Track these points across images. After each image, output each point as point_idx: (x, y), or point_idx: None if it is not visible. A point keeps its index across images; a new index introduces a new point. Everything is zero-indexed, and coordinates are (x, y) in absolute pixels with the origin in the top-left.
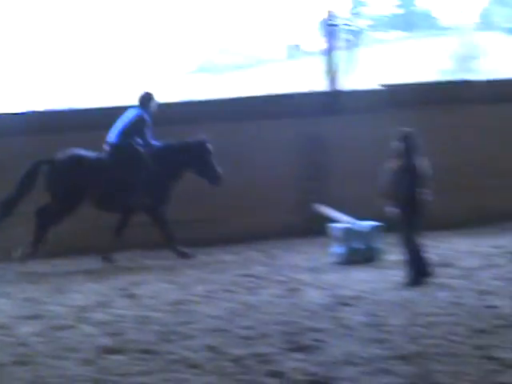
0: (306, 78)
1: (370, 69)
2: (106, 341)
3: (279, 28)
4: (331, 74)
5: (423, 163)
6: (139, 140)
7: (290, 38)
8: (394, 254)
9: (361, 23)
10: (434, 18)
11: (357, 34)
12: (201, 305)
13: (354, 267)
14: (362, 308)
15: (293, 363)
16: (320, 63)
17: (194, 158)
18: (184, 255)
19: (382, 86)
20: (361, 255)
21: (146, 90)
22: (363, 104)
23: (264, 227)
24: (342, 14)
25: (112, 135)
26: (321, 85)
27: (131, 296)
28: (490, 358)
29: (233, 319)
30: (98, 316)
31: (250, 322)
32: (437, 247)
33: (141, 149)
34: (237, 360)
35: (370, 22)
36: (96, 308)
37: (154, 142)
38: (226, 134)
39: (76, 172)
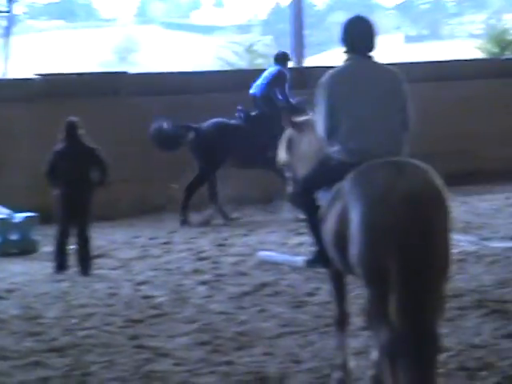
0: None
1: (26, 57)
2: None
3: None
4: None
5: (94, 151)
6: (279, 94)
7: None
8: (50, 245)
9: (16, 10)
10: (94, 9)
11: (12, 20)
12: None
13: (10, 259)
14: (16, 301)
15: None
16: None
17: None
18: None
19: (38, 75)
20: (16, 247)
21: (282, 50)
22: (19, 93)
23: None
24: None
25: (255, 89)
26: None
27: None
28: (143, 347)
29: None
30: None
31: None
32: (96, 238)
33: (280, 103)
34: None
35: (26, 9)
36: None
37: (291, 98)
38: None
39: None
